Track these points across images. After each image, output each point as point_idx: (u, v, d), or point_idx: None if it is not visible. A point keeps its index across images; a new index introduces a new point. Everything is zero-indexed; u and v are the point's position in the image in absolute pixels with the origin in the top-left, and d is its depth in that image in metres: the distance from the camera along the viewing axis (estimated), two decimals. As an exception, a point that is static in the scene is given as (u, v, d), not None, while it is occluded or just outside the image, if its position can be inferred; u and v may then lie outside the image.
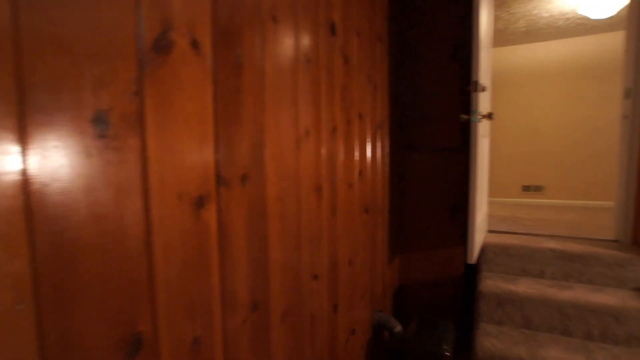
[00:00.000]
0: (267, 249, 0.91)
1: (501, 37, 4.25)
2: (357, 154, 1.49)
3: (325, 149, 1.21)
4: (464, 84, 2.02)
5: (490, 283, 1.92)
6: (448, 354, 1.56)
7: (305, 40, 1.07)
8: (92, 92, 0.50)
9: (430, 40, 2.11)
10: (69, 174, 0.47)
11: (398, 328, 1.67)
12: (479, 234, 1.90)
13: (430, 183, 2.15)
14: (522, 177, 4.48)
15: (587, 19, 3.73)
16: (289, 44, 0.98)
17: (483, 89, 1.71)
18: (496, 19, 3.71)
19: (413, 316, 2.21)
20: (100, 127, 0.51)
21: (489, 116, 1.71)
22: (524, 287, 1.87)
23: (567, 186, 4.30)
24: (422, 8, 2.12)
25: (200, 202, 0.70)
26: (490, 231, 2.41)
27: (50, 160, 0.45)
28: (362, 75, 1.53)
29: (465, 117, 1.69)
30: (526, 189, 4.45)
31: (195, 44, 0.67)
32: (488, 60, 2.10)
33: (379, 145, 1.78)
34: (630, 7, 2.16)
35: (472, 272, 2.25)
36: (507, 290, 1.83)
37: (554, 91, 4.32)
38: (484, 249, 2.12)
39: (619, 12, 3.61)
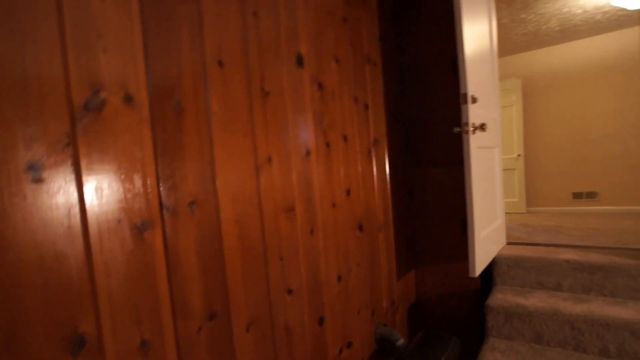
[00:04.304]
0: (224, 265, 1.03)
1: (535, 40, 4.10)
2: (342, 174, 1.57)
3: (297, 172, 1.31)
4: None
5: (500, 297, 1.86)
6: (446, 368, 1.55)
7: (262, 76, 1.19)
8: (25, 146, 0.66)
9: (429, 57, 2.14)
10: (6, 209, 0.63)
11: (400, 341, 1.69)
12: (485, 246, 1.86)
13: (440, 197, 2.15)
14: (572, 184, 4.19)
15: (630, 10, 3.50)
16: (239, 83, 1.11)
17: (474, 100, 1.72)
18: (523, 21, 3.61)
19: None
20: (35, 174, 0.67)
21: (482, 127, 1.71)
22: (535, 300, 1.78)
23: (624, 191, 3.95)
24: (415, 29, 2.17)
25: (143, 227, 0.84)
26: (509, 243, 2.32)
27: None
28: (344, 98, 1.62)
29: (457, 129, 1.71)
30: (577, 196, 4.14)
31: (128, 99, 0.82)
32: (490, 70, 2.09)
33: (374, 163, 1.84)
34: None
35: (489, 286, 2.18)
36: (515, 304, 1.76)
37: (602, 90, 4.04)
38: (496, 262, 2.06)
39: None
